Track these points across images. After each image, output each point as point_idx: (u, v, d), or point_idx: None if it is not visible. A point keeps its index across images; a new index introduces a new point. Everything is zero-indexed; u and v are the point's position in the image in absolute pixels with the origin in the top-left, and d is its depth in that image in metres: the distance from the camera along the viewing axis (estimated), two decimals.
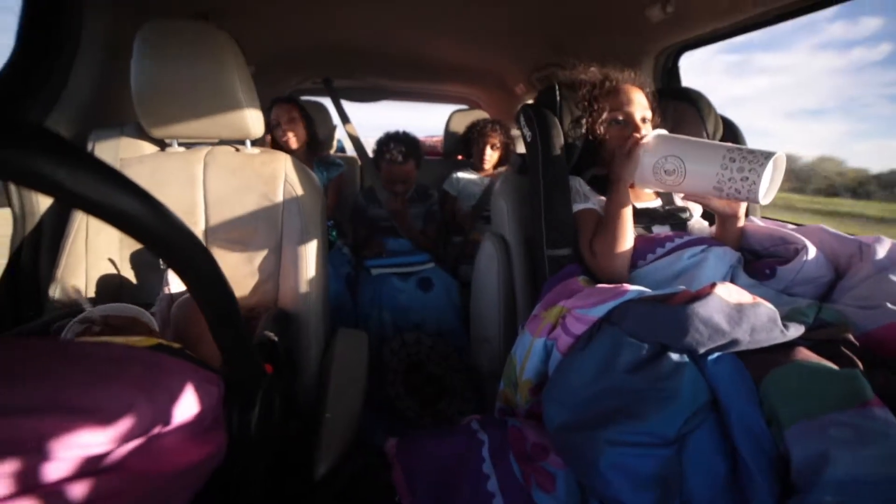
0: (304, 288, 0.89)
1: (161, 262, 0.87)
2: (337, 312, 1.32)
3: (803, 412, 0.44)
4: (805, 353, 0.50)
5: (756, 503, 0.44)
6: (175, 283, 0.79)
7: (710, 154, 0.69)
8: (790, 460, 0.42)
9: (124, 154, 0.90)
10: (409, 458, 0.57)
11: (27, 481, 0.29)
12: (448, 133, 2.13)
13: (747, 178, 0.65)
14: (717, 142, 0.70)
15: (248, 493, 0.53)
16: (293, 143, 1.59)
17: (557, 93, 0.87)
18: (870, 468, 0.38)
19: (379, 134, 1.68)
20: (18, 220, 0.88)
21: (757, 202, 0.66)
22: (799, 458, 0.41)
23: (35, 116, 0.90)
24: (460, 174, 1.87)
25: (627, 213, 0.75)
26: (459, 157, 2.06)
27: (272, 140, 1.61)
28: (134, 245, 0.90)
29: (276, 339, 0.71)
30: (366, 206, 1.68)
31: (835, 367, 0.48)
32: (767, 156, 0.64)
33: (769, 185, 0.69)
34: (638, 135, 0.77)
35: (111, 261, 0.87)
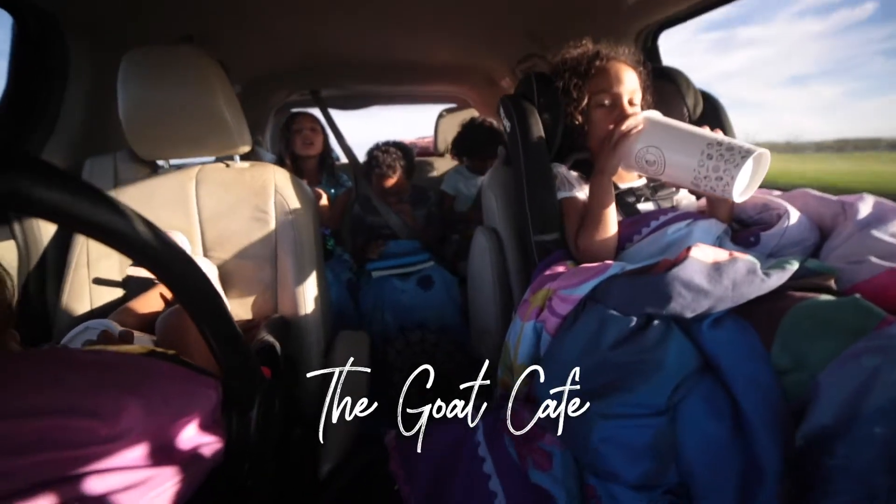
0: (301, 294, 0.90)
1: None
2: (340, 318, 1.34)
3: (832, 350, 0.43)
4: (801, 294, 0.50)
5: (764, 460, 0.43)
6: None
7: (689, 148, 0.66)
8: (816, 406, 0.41)
9: (119, 178, 0.93)
10: (406, 448, 0.58)
11: (30, 479, 0.30)
12: (438, 132, 2.15)
13: (721, 179, 0.63)
14: (700, 131, 0.68)
15: (254, 496, 0.55)
16: (317, 148, 1.65)
17: (534, 82, 0.88)
18: None
19: (364, 141, 1.71)
20: (22, 252, 0.91)
21: (732, 200, 0.64)
22: (835, 398, 0.40)
23: (32, 149, 0.93)
24: (457, 174, 1.85)
25: (610, 204, 0.74)
26: (451, 157, 2.07)
27: (290, 155, 1.64)
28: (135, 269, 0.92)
29: (274, 343, 0.73)
30: (363, 215, 1.69)
31: (833, 297, 0.47)
32: (745, 155, 0.61)
33: (748, 183, 0.67)
34: (624, 127, 0.73)
35: (113, 284, 0.90)
